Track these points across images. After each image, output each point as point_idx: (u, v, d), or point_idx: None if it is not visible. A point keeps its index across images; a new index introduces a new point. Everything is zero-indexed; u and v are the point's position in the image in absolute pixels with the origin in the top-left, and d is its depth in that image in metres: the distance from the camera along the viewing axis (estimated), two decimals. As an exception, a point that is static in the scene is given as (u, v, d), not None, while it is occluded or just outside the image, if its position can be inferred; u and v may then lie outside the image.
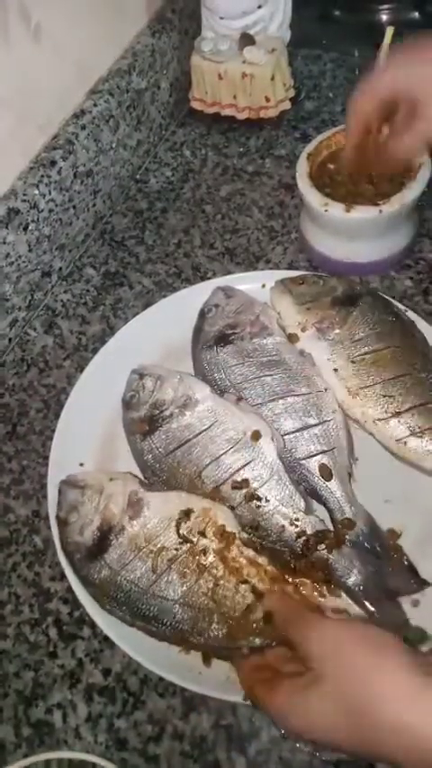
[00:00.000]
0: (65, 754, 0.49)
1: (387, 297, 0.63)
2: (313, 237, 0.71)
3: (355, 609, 0.50)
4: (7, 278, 0.68)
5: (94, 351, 0.67)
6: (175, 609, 0.49)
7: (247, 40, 0.81)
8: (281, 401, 0.57)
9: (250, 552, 0.50)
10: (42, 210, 0.70)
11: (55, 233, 0.73)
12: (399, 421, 0.56)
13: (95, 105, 0.75)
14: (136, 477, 0.57)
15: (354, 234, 0.67)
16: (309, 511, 0.53)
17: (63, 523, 0.54)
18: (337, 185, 0.67)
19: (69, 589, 0.54)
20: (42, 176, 0.69)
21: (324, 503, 0.54)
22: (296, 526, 0.52)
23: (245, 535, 0.52)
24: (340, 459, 0.55)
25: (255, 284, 0.66)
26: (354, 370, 0.58)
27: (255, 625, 0.48)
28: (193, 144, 0.87)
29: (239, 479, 0.54)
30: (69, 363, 0.70)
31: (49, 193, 0.70)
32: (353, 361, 0.58)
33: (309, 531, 0.52)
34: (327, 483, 0.54)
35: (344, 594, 0.50)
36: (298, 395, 0.57)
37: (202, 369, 0.61)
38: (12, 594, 0.57)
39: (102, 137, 0.76)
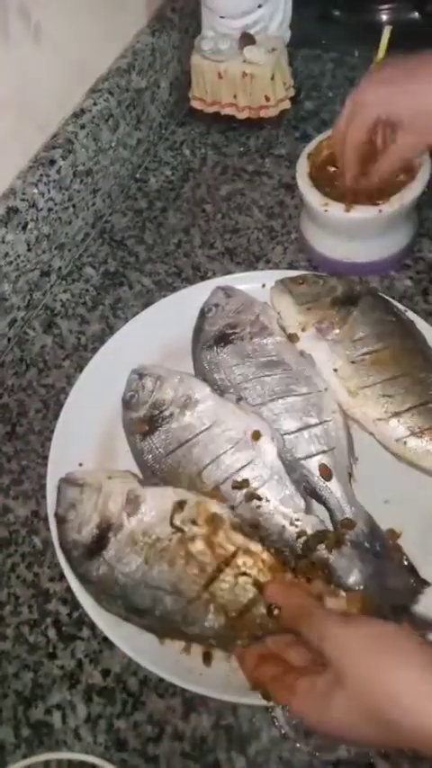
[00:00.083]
0: (64, 755, 0.49)
1: (387, 297, 0.63)
2: (313, 237, 0.71)
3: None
4: (6, 277, 0.68)
5: (94, 351, 0.67)
6: (165, 599, 0.49)
7: (247, 39, 0.81)
8: (281, 401, 0.57)
9: (239, 538, 0.49)
10: (41, 210, 0.69)
11: (54, 232, 0.72)
12: (399, 421, 0.56)
13: (95, 104, 0.75)
14: (135, 475, 0.57)
15: (353, 234, 0.67)
16: (309, 511, 0.53)
17: (61, 521, 0.54)
18: (337, 186, 0.67)
19: (68, 589, 0.54)
20: (42, 175, 0.69)
21: (324, 503, 0.54)
22: (296, 526, 0.52)
23: (236, 520, 0.51)
24: (340, 459, 0.55)
25: (255, 284, 0.66)
26: (354, 369, 0.58)
27: (257, 619, 0.47)
28: (193, 143, 0.87)
29: (239, 479, 0.54)
30: (69, 363, 0.70)
31: (49, 192, 0.70)
32: (353, 361, 0.58)
33: (309, 531, 0.52)
34: (327, 483, 0.54)
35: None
36: (298, 395, 0.57)
37: (202, 369, 0.61)
38: (11, 595, 0.57)
39: (101, 136, 0.76)
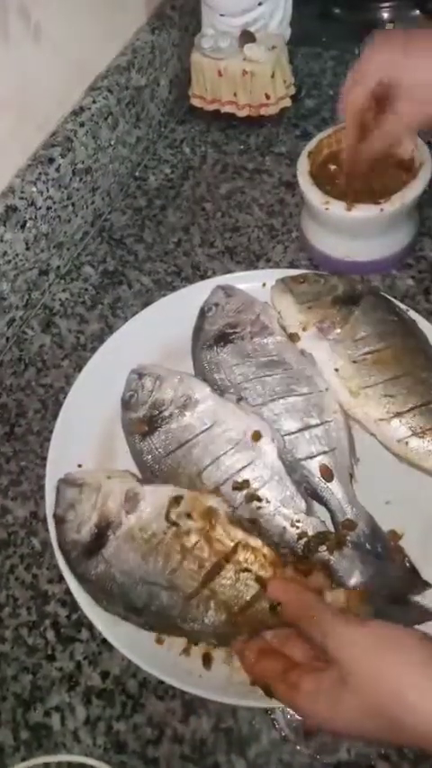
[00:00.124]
0: (63, 758, 0.49)
1: (388, 296, 0.63)
2: (314, 236, 0.70)
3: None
4: (5, 276, 0.67)
5: (93, 350, 0.66)
6: (162, 595, 0.49)
7: (247, 37, 0.80)
8: (281, 401, 0.57)
9: (238, 533, 0.49)
10: (40, 208, 0.69)
11: (53, 231, 0.72)
12: (400, 421, 0.55)
13: (94, 102, 0.74)
14: (134, 475, 0.56)
15: (355, 232, 0.67)
16: (310, 512, 0.53)
17: (60, 521, 0.53)
18: (338, 184, 0.66)
19: (67, 591, 0.53)
20: (40, 174, 0.69)
21: (325, 504, 0.54)
22: (297, 527, 0.52)
23: (231, 514, 0.51)
24: (341, 460, 0.55)
25: (255, 283, 0.66)
26: (355, 369, 0.58)
27: (259, 615, 0.47)
28: (193, 141, 0.86)
29: (240, 480, 0.53)
30: (68, 363, 0.69)
31: (48, 191, 0.69)
32: (354, 361, 0.58)
33: (310, 533, 0.52)
34: (328, 484, 0.54)
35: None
36: (299, 395, 0.57)
37: (202, 368, 0.61)
38: (9, 597, 0.57)
39: (101, 134, 0.75)
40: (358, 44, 0.86)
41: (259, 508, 0.52)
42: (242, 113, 0.84)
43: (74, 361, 0.69)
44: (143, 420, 0.57)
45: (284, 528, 0.52)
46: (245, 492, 0.53)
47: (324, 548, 0.51)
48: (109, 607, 0.50)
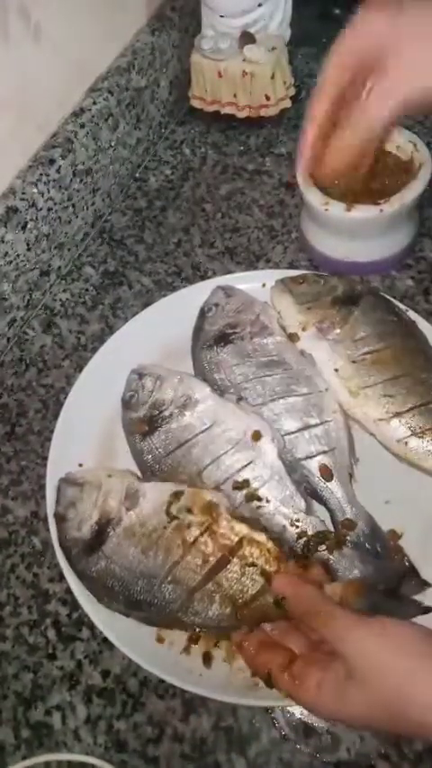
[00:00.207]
0: (64, 756, 0.49)
1: (388, 296, 0.63)
2: (314, 237, 0.71)
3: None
4: (5, 277, 0.67)
5: (94, 350, 0.66)
6: (163, 587, 0.49)
7: (247, 38, 0.80)
8: (281, 401, 0.57)
9: (243, 527, 0.49)
10: (41, 209, 0.69)
11: (54, 232, 0.72)
12: (400, 421, 0.55)
13: (95, 103, 0.74)
14: (134, 474, 0.57)
15: (354, 233, 0.67)
16: (309, 511, 0.53)
17: (61, 519, 0.54)
18: (338, 185, 0.67)
19: (68, 590, 0.53)
20: (41, 175, 0.69)
21: (325, 503, 0.54)
22: (297, 527, 0.52)
23: (230, 507, 0.51)
24: (341, 460, 0.55)
25: (255, 283, 0.66)
26: (354, 369, 0.58)
27: (263, 609, 0.47)
28: (193, 142, 0.86)
29: (240, 480, 0.54)
30: (68, 363, 0.70)
31: (48, 192, 0.70)
32: (353, 361, 0.58)
33: (309, 532, 0.52)
34: (327, 483, 0.54)
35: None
36: (298, 395, 0.57)
37: (202, 368, 0.61)
38: (10, 596, 0.57)
39: (101, 135, 0.75)
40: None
41: (259, 507, 0.53)
42: (242, 114, 0.84)
43: (74, 361, 0.69)
44: (143, 420, 0.58)
45: (284, 527, 0.52)
46: (245, 491, 0.53)
47: (324, 547, 0.51)
48: (110, 603, 0.51)
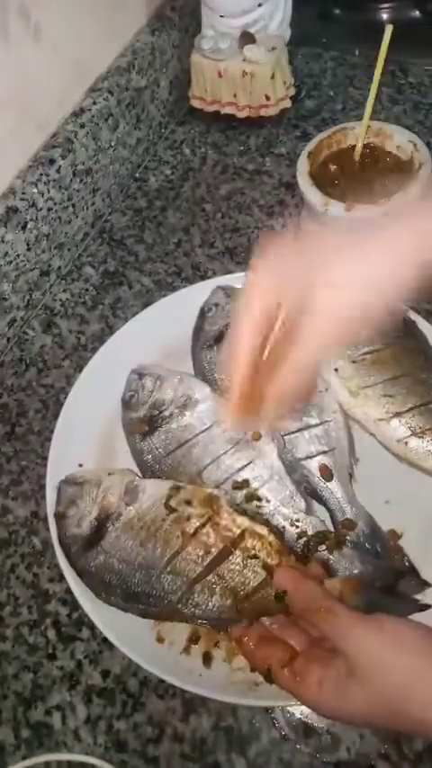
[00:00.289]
0: (64, 756, 0.49)
1: (388, 296, 0.63)
2: (313, 237, 0.70)
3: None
4: (6, 277, 0.67)
5: (94, 350, 0.66)
6: (162, 578, 0.49)
7: (247, 38, 0.80)
8: (281, 401, 0.57)
9: (244, 520, 0.49)
10: (41, 209, 0.69)
11: (54, 232, 0.72)
12: (400, 421, 0.55)
13: (95, 103, 0.74)
14: (134, 473, 0.57)
15: (354, 233, 0.67)
16: (309, 511, 0.53)
17: (61, 518, 0.54)
18: (337, 185, 0.67)
19: (68, 590, 0.53)
20: (41, 175, 0.69)
21: (325, 503, 0.54)
22: (297, 527, 0.52)
23: (228, 498, 0.51)
24: (341, 460, 0.55)
25: (255, 283, 0.66)
26: (354, 369, 0.58)
27: (264, 602, 0.47)
28: (193, 142, 0.86)
29: (240, 480, 0.54)
30: (68, 363, 0.70)
31: (48, 192, 0.70)
32: (354, 361, 0.58)
33: (309, 532, 0.52)
34: (327, 483, 0.54)
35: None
36: (298, 395, 0.57)
37: (202, 368, 0.61)
38: (10, 596, 0.57)
39: (101, 135, 0.75)
40: (358, 45, 0.88)
41: (259, 507, 0.53)
42: (242, 114, 0.84)
43: (74, 361, 0.69)
44: (143, 420, 0.58)
45: (284, 527, 0.52)
46: (245, 491, 0.53)
47: (324, 547, 0.51)
48: (108, 598, 0.51)
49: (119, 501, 0.52)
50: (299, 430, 0.56)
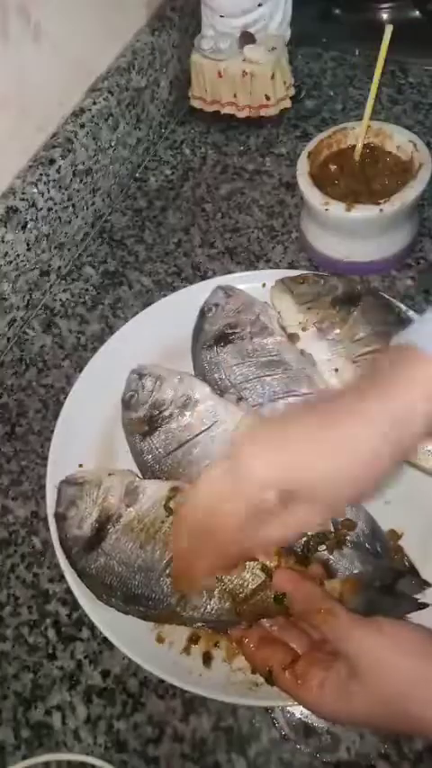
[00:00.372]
0: (64, 756, 0.49)
1: (388, 296, 0.63)
2: (314, 237, 0.71)
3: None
4: (6, 277, 0.67)
5: (94, 350, 0.66)
6: (161, 581, 0.49)
7: (247, 38, 0.80)
8: (281, 401, 0.57)
9: None
10: (41, 209, 0.69)
11: (54, 232, 0.72)
12: (400, 421, 0.55)
13: (95, 103, 0.74)
14: (135, 473, 0.57)
15: (354, 233, 0.67)
16: (309, 511, 0.53)
17: (62, 518, 0.54)
18: (337, 185, 0.67)
19: (68, 590, 0.53)
20: (41, 175, 0.69)
21: (325, 503, 0.54)
22: (297, 527, 0.52)
23: None
24: (341, 460, 0.55)
25: (255, 283, 0.66)
26: (354, 369, 0.58)
27: (263, 604, 0.47)
28: (193, 142, 0.86)
29: (240, 480, 0.53)
30: (68, 363, 0.70)
31: (48, 192, 0.70)
32: (353, 361, 0.58)
33: (309, 532, 0.52)
34: (327, 483, 0.54)
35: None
36: (298, 395, 0.57)
37: (202, 368, 0.61)
38: (10, 596, 0.57)
39: (101, 135, 0.75)
40: (358, 45, 0.88)
41: (259, 508, 0.52)
42: (242, 114, 0.85)
43: (74, 361, 0.69)
44: (143, 420, 0.58)
45: (284, 527, 0.52)
46: (245, 491, 0.53)
47: (324, 547, 0.51)
48: (109, 600, 0.51)
49: (119, 502, 0.52)
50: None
